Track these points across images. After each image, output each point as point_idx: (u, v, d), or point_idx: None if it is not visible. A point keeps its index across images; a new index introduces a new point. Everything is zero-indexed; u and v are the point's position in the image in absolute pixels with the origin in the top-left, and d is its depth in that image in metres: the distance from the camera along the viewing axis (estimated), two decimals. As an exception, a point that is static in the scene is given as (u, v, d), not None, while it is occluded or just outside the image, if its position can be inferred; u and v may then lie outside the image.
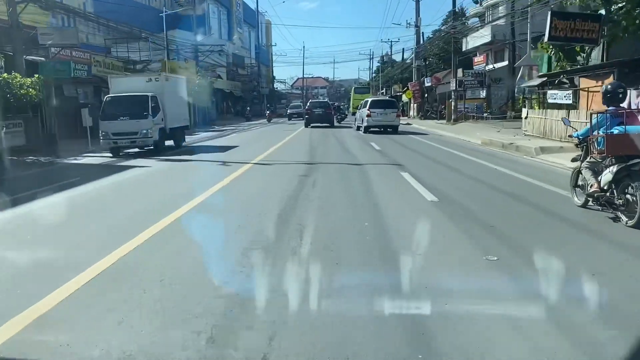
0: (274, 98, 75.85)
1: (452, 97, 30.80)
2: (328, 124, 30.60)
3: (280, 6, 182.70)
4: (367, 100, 25.85)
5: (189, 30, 44.27)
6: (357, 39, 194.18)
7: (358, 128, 26.39)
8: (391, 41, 57.11)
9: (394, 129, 24.51)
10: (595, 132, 6.21)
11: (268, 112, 47.72)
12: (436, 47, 42.33)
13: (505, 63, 34.54)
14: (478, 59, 36.30)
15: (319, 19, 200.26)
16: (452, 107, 30.58)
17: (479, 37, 35.48)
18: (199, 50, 43.28)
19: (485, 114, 31.58)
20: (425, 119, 39.03)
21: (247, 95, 60.10)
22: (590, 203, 6.44)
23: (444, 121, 34.30)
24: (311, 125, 30.03)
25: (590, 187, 6.11)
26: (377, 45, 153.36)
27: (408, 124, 36.55)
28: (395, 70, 59.27)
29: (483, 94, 33.95)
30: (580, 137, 6.67)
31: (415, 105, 41.59)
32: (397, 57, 65.95)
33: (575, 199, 6.82)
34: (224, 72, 57.37)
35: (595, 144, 6.16)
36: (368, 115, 23.88)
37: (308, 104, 33.97)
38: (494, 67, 34.60)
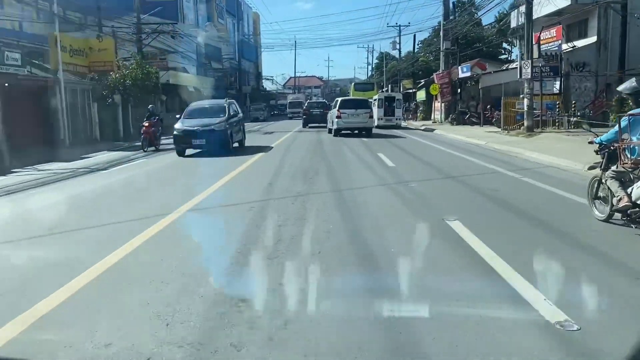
0: (260, 98, 63.00)
1: (525, 91, 18.32)
2: (325, 124, 26.82)
3: (273, 6, 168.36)
4: (337, 100, 22.97)
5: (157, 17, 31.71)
6: (356, 33, 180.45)
7: (330, 131, 22.84)
8: (399, 26, 44.43)
9: (367, 132, 21.61)
10: (625, 137, 5.23)
11: (145, 124, 18.65)
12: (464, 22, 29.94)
13: (592, 39, 22.13)
14: (548, 34, 23.75)
15: (315, 18, 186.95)
16: (528, 108, 18.07)
17: (545, 4, 23.02)
18: (144, 31, 30.56)
19: (572, 118, 19.13)
20: (459, 123, 26.57)
21: (222, 94, 47.17)
22: (615, 217, 5.31)
23: (498, 129, 21.95)
24: (309, 125, 28.88)
25: (619, 200, 5.04)
26: (380, 33, 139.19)
27: (428, 129, 24.47)
28: (404, 62, 46.78)
29: (556, 86, 21.62)
30: (605, 142, 5.54)
31: (443, 104, 29.04)
32: (404, 50, 53.34)
33: (596, 212, 5.66)
34: (192, 65, 44.85)
35: (627, 151, 5.22)
36: (338, 117, 21.07)
37: (306, 104, 33.07)
38: (573, 46, 22.15)
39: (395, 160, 11.71)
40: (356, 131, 21.50)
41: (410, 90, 40.51)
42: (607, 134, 5.65)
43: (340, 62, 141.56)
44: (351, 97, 28.75)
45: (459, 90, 27.89)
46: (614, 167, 5.32)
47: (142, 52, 30.22)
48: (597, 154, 5.69)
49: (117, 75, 24.82)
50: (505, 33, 60.11)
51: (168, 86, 37.79)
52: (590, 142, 5.95)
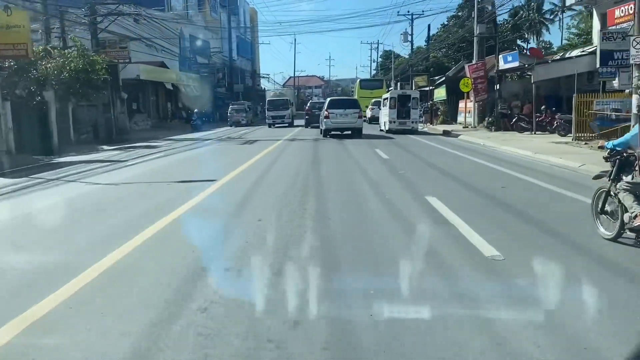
0: (255, 97, 56.13)
1: (636, 83, 11.62)
2: None
3: (272, 5, 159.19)
4: (326, 100, 22.86)
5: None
6: (359, 31, 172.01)
7: (321, 131, 21.35)
8: (412, 14, 37.56)
9: (357, 133, 20.09)
10: None
11: None
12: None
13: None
14: (621, 11, 17.02)
15: (317, 18, 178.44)
16: (639, 109, 11.37)
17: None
18: (100, 13, 23.94)
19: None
20: (499, 129, 19.91)
21: (206, 94, 40.36)
22: (627, 234, 4.42)
23: (563, 138, 15.48)
24: (311, 125, 27.19)
25: (634, 218, 4.23)
26: (387, 9, 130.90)
27: (454, 135, 17.82)
28: (416, 56, 40.09)
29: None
30: (618, 148, 4.65)
31: (476, 104, 22.29)
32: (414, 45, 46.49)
33: (602, 229, 4.72)
34: (173, 60, 38.24)
35: None
36: (326, 117, 20.15)
37: (308, 104, 32.13)
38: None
39: (481, 226, 5.02)
40: (347, 132, 20.24)
41: (426, 89, 33.80)
42: (622, 138, 4.80)
43: (342, 61, 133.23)
44: (340, 97, 27.40)
45: (496, 86, 21.18)
46: (628, 178, 4.47)
47: (97, 38, 23.70)
48: (607, 161, 4.81)
49: (50, 65, 18.31)
50: (520, 28, 53.78)
51: (139, 83, 31.20)
52: (600, 147, 5.26)
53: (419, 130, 23.50)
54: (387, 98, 24.08)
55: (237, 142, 18.62)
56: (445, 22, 52.91)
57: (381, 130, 24.66)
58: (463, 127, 21.95)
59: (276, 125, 30.33)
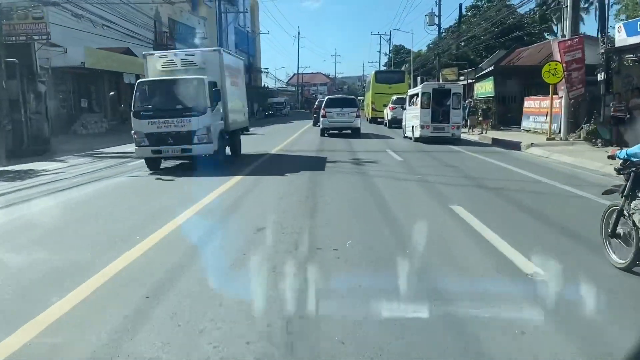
0: (253, 95, 48.06)
1: None
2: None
3: (280, 4, 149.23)
4: (325, 98, 22.28)
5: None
6: (367, 22, 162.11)
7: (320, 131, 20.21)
8: (439, -7, 29.54)
9: (355, 132, 19.39)
10: None
11: None
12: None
13: None
14: None
15: (323, 17, 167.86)
16: None
17: None
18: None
19: None
20: (608, 143, 12.03)
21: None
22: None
23: None
24: (318, 124, 22.92)
25: None
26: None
27: (507, 142, 10.25)
28: (447, 44, 32.13)
29: None
30: (634, 159, 3.69)
31: (567, 101, 14.14)
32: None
33: (612, 255, 3.84)
34: (146, 47, 30.39)
35: None
36: (323, 116, 19.66)
37: (317, 102, 30.07)
38: None
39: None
40: (347, 131, 19.38)
41: (462, 81, 25.90)
42: (637, 147, 3.72)
43: (348, 58, 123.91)
44: (338, 95, 26.83)
45: (601, 75, 13.19)
46: None
47: None
48: (619, 173, 3.88)
49: None
50: (549, 18, 46.12)
51: (90, 73, 23.52)
52: (610, 157, 4.11)
53: (461, 138, 16.44)
54: (416, 94, 16.92)
55: (183, 165, 10.64)
56: (465, 13, 45.40)
57: (406, 137, 17.93)
58: (547, 139, 13.88)
59: (175, 162, 11.21)
